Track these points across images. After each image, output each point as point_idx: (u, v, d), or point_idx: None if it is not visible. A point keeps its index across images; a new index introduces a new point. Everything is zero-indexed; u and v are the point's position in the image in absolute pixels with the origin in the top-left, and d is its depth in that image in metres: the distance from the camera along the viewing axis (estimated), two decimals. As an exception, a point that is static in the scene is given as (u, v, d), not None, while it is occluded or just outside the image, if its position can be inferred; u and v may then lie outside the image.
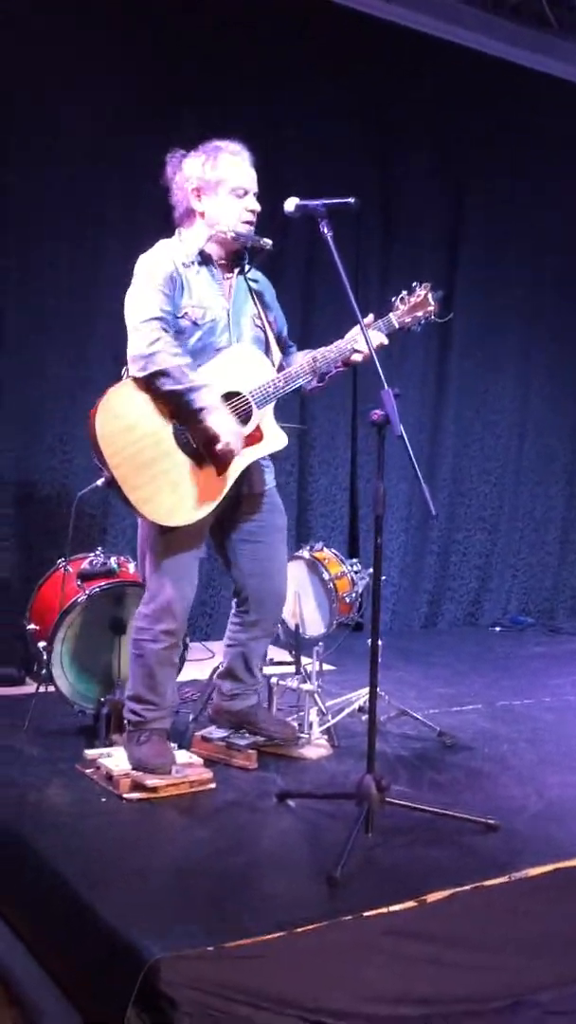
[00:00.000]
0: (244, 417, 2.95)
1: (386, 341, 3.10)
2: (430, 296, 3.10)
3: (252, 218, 3.01)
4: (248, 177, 3.00)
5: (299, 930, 2.10)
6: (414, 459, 2.53)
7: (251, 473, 3.05)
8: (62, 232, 4.75)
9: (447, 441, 6.10)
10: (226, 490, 2.93)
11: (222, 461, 2.89)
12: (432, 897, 2.28)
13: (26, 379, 4.69)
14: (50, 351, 4.74)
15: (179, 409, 2.85)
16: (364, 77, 5.53)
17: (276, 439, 3.03)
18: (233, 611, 3.26)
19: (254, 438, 2.98)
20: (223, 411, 2.87)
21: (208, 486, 2.90)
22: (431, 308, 3.10)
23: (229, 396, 2.93)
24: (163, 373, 2.81)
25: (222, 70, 5.07)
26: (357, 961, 2.13)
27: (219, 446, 2.84)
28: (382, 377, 2.60)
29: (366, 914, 2.19)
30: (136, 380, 2.86)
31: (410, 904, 2.25)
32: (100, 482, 3.00)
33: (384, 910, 2.21)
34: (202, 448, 2.87)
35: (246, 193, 2.99)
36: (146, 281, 2.92)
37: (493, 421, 6.30)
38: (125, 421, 2.84)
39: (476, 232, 6.10)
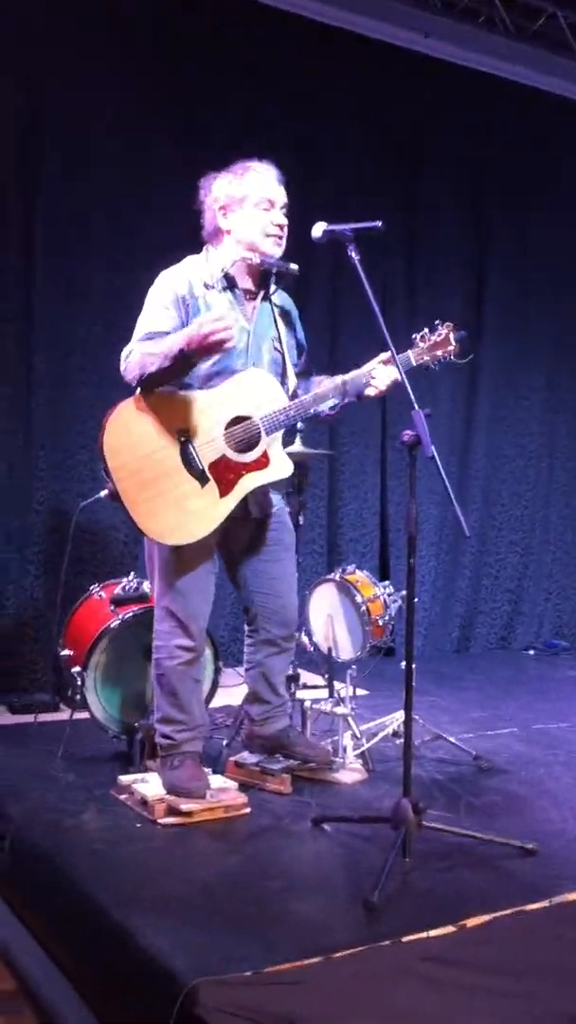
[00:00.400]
0: (252, 442, 2.97)
1: (401, 380, 3.05)
2: (452, 336, 3.04)
3: (279, 232, 3.02)
4: (274, 190, 3.02)
5: (337, 955, 2.08)
6: (446, 479, 2.52)
7: (257, 496, 3.06)
8: (92, 261, 4.82)
9: (477, 464, 6.09)
10: (229, 511, 2.94)
11: (224, 344, 2.80)
12: (471, 922, 2.25)
13: (57, 410, 4.75)
14: (79, 380, 4.79)
15: (179, 374, 2.87)
16: (392, 110, 5.63)
17: (282, 467, 3.03)
18: (246, 632, 3.26)
19: (260, 464, 2.99)
20: (191, 328, 2.81)
21: (211, 506, 2.91)
22: (452, 348, 3.05)
23: (238, 420, 2.95)
24: (145, 366, 2.84)
25: (252, 104, 5.17)
26: (396, 987, 2.10)
27: (217, 339, 2.76)
28: (412, 398, 2.60)
29: (404, 939, 2.17)
30: (145, 397, 2.89)
31: (449, 929, 2.22)
32: (103, 494, 3.04)
33: (423, 935, 2.19)
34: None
35: (272, 206, 3.01)
36: (153, 300, 2.98)
37: (522, 444, 6.29)
38: (133, 436, 2.87)
39: (503, 261, 6.13)
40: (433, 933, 2.20)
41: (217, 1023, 1.88)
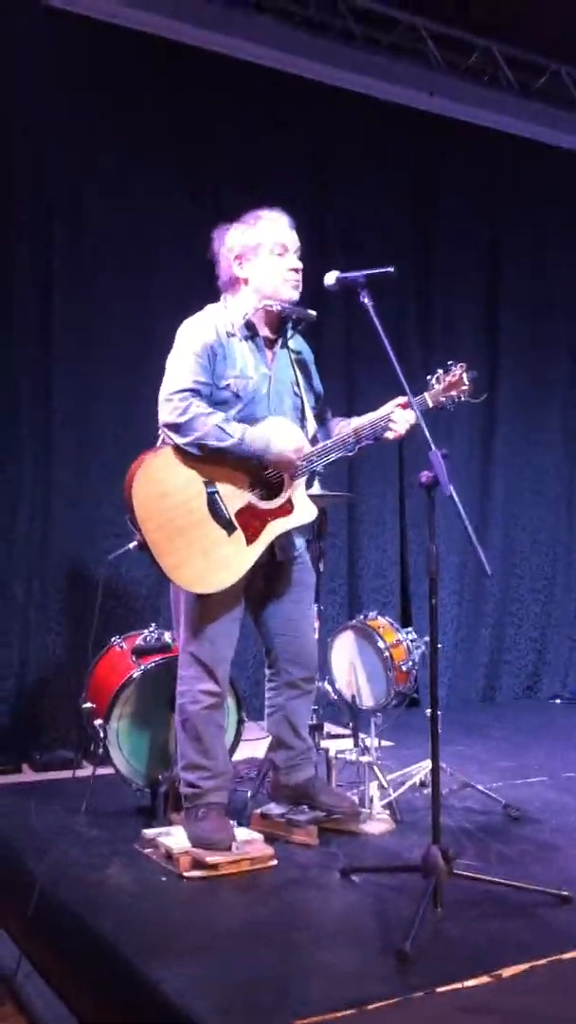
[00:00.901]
0: (276, 488, 3.00)
1: (418, 421, 3.08)
2: (465, 376, 3.10)
3: (296, 277, 3.07)
4: (287, 235, 3.08)
5: (370, 1007, 2.03)
6: (465, 518, 2.51)
7: (282, 541, 3.07)
8: (110, 317, 4.90)
9: (496, 512, 6.07)
10: (255, 558, 2.97)
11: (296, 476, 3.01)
12: (507, 972, 2.20)
13: (78, 468, 4.78)
14: (101, 438, 4.83)
15: (232, 464, 2.91)
16: (403, 162, 5.77)
17: (306, 512, 3.07)
18: (267, 676, 3.25)
19: (285, 510, 3.02)
20: (276, 438, 2.94)
21: (238, 554, 2.94)
22: (466, 388, 3.10)
23: (264, 468, 2.99)
24: (207, 436, 2.87)
25: (265, 149, 5.30)
26: (431, 1040, 2.04)
27: (295, 462, 2.96)
28: (429, 439, 2.61)
29: (439, 990, 2.11)
30: (174, 447, 2.92)
31: (484, 979, 2.17)
32: (132, 545, 3.05)
33: (458, 986, 2.13)
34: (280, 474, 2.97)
35: (286, 251, 3.06)
36: (184, 349, 3.00)
37: (541, 490, 6.27)
38: (161, 488, 2.90)
39: (517, 307, 6.19)
40: (468, 983, 2.15)
41: (247, 1078, 1.84)
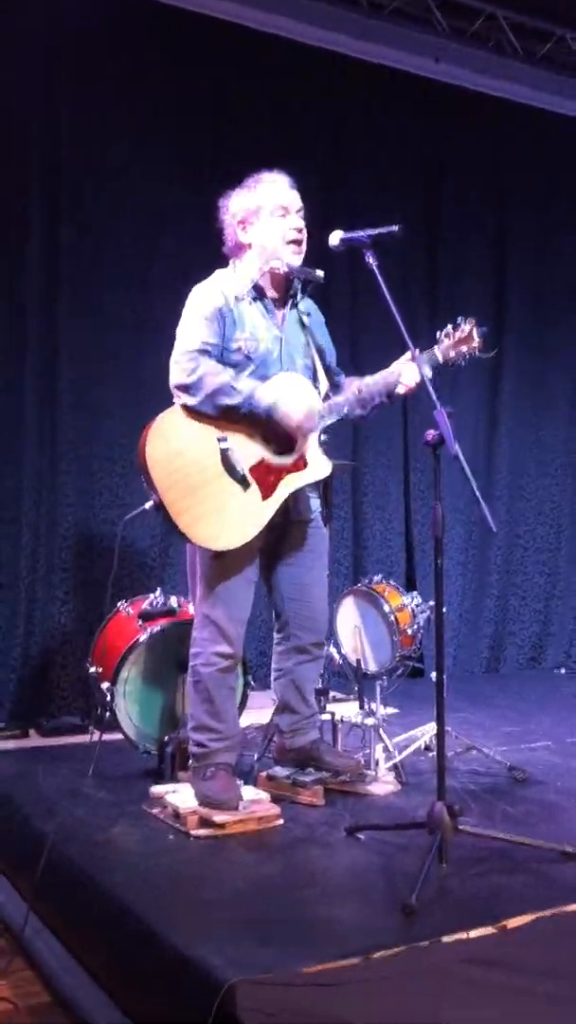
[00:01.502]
0: (289, 444, 2.99)
1: (429, 374, 3.08)
2: (475, 331, 3.10)
3: (298, 236, 3.06)
4: (287, 196, 3.07)
5: (376, 956, 2.05)
6: (470, 475, 2.51)
7: (297, 501, 3.08)
8: (116, 287, 4.89)
9: (501, 483, 6.06)
10: (271, 514, 2.97)
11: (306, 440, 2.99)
12: (512, 923, 2.21)
13: (82, 435, 4.79)
14: (105, 406, 4.83)
15: (245, 421, 2.91)
16: (409, 129, 5.73)
17: (320, 467, 3.07)
18: (276, 639, 3.26)
19: (299, 465, 3.02)
20: (286, 398, 2.93)
21: (254, 510, 2.94)
22: (476, 343, 3.10)
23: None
24: (216, 394, 2.88)
25: (270, 120, 5.27)
26: (436, 989, 2.05)
27: (300, 431, 2.94)
28: (434, 397, 2.61)
29: (444, 940, 2.13)
30: (185, 406, 2.92)
31: (489, 931, 2.18)
32: (148, 505, 3.05)
33: (463, 936, 2.15)
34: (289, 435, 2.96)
35: (287, 211, 3.05)
36: (193, 313, 3.00)
37: (546, 462, 6.26)
38: (174, 446, 2.90)
39: (523, 274, 6.15)
40: (473, 934, 2.16)
41: (255, 1023, 1.86)
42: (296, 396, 2.97)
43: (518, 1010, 2.09)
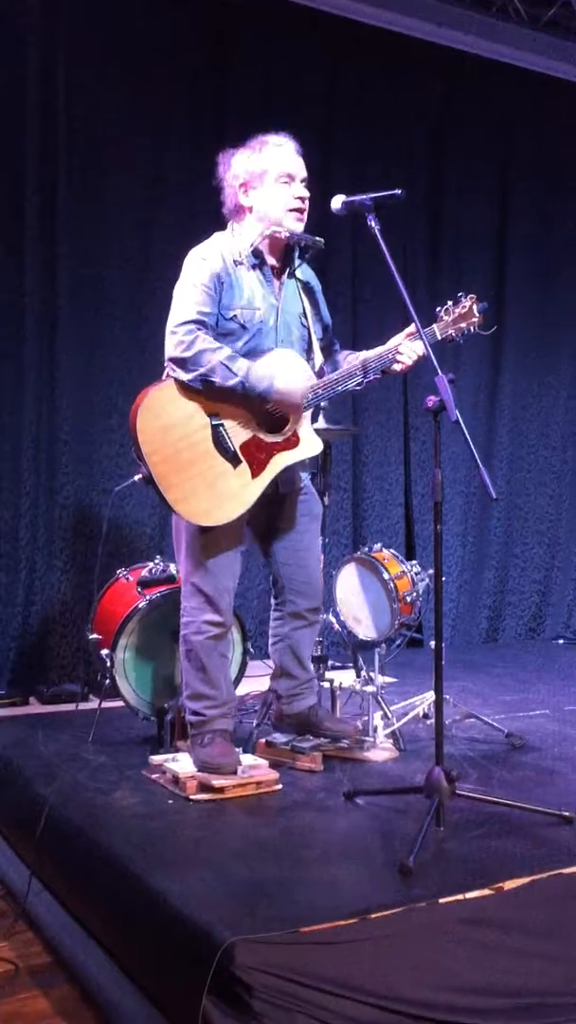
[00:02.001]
0: (281, 422, 2.98)
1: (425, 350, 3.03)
2: (475, 307, 3.02)
3: (300, 204, 3.01)
4: (293, 163, 3.01)
5: (374, 916, 2.06)
6: (471, 441, 2.50)
7: (288, 474, 3.06)
8: (114, 256, 4.86)
9: (501, 454, 6.06)
10: (260, 491, 2.95)
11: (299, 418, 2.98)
12: (508, 885, 2.23)
13: (80, 405, 4.77)
14: (103, 375, 4.82)
15: (237, 398, 2.88)
16: (410, 93, 5.67)
17: (312, 445, 3.05)
18: (273, 605, 3.26)
19: (291, 443, 3.01)
20: (283, 378, 2.90)
21: (244, 487, 2.93)
22: (476, 320, 3.02)
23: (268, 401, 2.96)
24: (211, 373, 2.85)
25: (275, 79, 5.23)
26: (433, 949, 2.08)
27: (300, 410, 2.92)
28: (435, 364, 2.59)
29: (441, 900, 2.15)
30: (178, 380, 2.90)
31: (486, 892, 2.20)
32: (137, 478, 3.04)
33: (460, 897, 2.17)
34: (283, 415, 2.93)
35: (292, 179, 3.00)
36: (190, 279, 2.96)
37: (547, 433, 6.25)
38: (165, 420, 2.88)
39: (525, 242, 6.12)
40: (470, 895, 2.18)
41: (253, 982, 1.88)
42: (292, 375, 2.93)
43: (514, 969, 2.12)
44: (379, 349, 3.05)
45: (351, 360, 3.11)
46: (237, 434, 2.93)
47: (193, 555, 3.00)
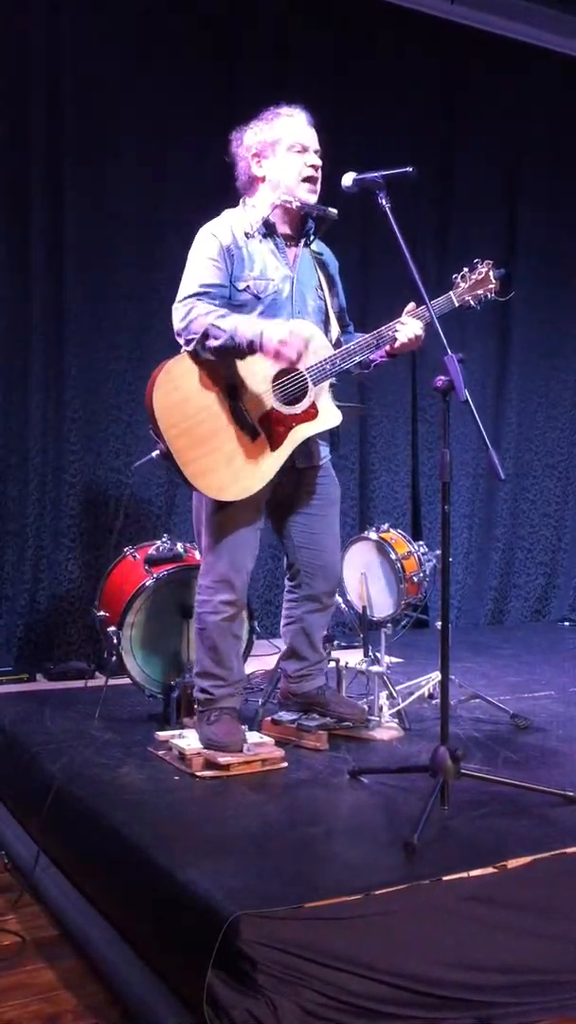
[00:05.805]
0: (299, 394, 2.96)
1: (434, 325, 2.97)
2: (492, 273, 3.02)
3: (313, 173, 2.99)
4: (305, 133, 3.00)
5: (378, 892, 2.08)
6: (479, 421, 2.49)
7: (307, 447, 3.04)
8: (121, 236, 4.84)
9: (509, 436, 6.05)
10: (280, 465, 2.93)
11: (296, 361, 2.85)
12: (512, 863, 2.24)
13: (88, 384, 4.77)
14: (111, 354, 4.82)
15: (235, 356, 2.85)
16: (423, 70, 5.64)
17: (331, 416, 3.02)
18: (287, 587, 3.25)
19: (309, 415, 2.98)
20: (269, 327, 2.83)
21: (262, 461, 2.91)
22: (492, 286, 3.01)
23: (285, 372, 2.93)
24: (204, 336, 2.82)
25: (287, 55, 5.20)
26: (437, 926, 2.09)
27: (288, 354, 2.81)
28: (445, 343, 2.57)
29: (445, 878, 2.16)
30: (191, 354, 2.88)
31: (489, 870, 2.21)
32: (155, 454, 3.03)
33: (463, 875, 2.18)
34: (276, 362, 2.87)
35: (304, 150, 2.98)
36: (198, 253, 2.95)
37: (555, 415, 6.24)
38: (182, 394, 2.86)
39: (537, 214, 6.10)
40: (474, 873, 2.19)
41: (258, 956, 1.90)
42: (294, 327, 2.86)
43: (516, 946, 2.14)
44: (389, 324, 3.04)
45: (375, 332, 3.07)
46: (255, 406, 2.91)
47: (211, 533, 2.99)
